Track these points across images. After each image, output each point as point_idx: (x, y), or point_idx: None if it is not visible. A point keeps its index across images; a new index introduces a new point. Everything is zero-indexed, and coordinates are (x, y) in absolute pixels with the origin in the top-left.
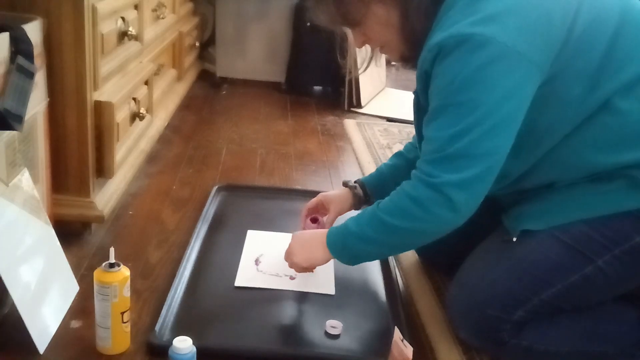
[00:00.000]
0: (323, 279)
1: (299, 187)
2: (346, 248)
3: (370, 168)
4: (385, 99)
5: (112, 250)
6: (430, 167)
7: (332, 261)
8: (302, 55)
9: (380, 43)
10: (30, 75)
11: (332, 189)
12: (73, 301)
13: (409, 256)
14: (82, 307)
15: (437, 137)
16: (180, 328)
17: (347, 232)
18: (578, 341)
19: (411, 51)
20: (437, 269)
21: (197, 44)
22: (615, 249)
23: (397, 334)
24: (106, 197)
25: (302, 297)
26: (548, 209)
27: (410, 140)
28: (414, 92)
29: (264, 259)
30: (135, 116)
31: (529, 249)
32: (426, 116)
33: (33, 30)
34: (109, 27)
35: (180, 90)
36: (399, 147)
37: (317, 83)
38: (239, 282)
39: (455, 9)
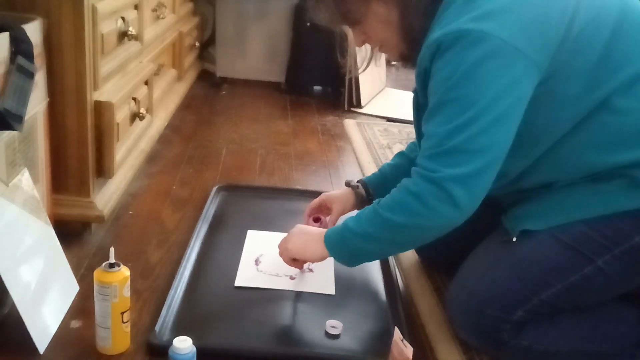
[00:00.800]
0: (323, 279)
1: (299, 187)
2: (345, 246)
3: (370, 168)
4: (385, 99)
5: (112, 250)
6: (430, 162)
7: (332, 261)
8: (302, 55)
9: (379, 42)
10: (30, 75)
11: (332, 189)
12: (73, 301)
13: (409, 256)
14: (82, 307)
15: (435, 133)
16: (180, 328)
17: (347, 230)
18: (578, 341)
19: (410, 50)
20: (437, 269)
21: (197, 44)
22: (615, 249)
23: (397, 334)
24: (106, 197)
25: (302, 297)
26: (548, 209)
27: (412, 140)
28: (414, 91)
29: (264, 259)
30: (135, 116)
31: (529, 249)
32: (425, 113)
33: (33, 30)
34: (109, 27)
35: (180, 90)
36: (399, 147)
37: (317, 83)
38: (239, 282)
39: (454, 7)
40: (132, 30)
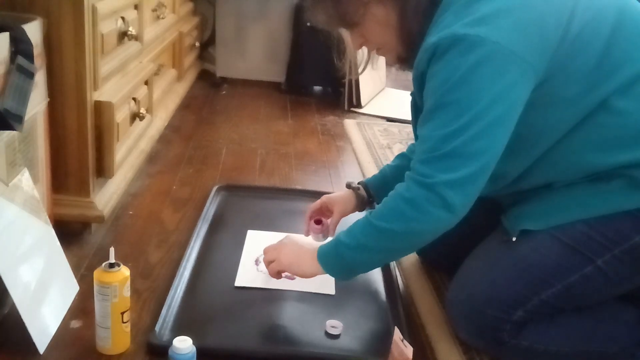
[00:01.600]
0: (323, 279)
1: (299, 187)
2: (341, 261)
3: (370, 168)
4: (385, 99)
5: (112, 250)
6: (424, 166)
7: None
8: (302, 55)
9: (377, 44)
10: (30, 75)
11: (332, 189)
12: (73, 301)
13: (409, 256)
14: (82, 307)
15: (430, 137)
16: (180, 328)
17: (341, 245)
18: (578, 341)
19: (407, 52)
20: (437, 269)
21: (197, 44)
22: (615, 249)
23: (397, 334)
24: (106, 197)
25: (302, 297)
26: (547, 209)
27: (412, 141)
28: (412, 94)
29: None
30: (135, 116)
31: (529, 249)
32: (421, 116)
33: (33, 30)
34: (109, 27)
35: (180, 90)
36: (399, 147)
37: (317, 83)
38: (239, 282)
39: (451, 10)
40: (132, 30)
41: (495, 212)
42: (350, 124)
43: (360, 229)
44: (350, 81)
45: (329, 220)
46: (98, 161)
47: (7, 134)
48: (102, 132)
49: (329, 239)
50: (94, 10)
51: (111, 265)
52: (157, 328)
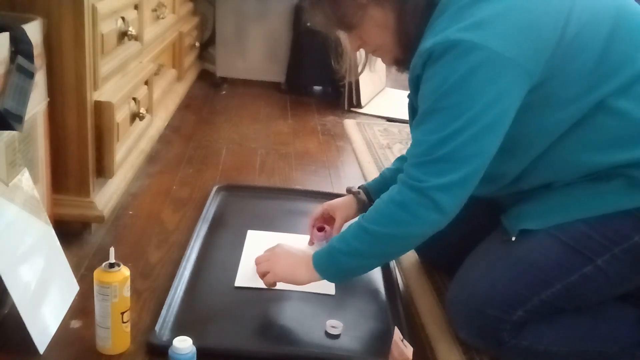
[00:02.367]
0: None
1: (299, 187)
2: (336, 267)
3: (370, 168)
4: (385, 99)
5: (112, 250)
6: (416, 170)
7: None
8: (302, 55)
9: (375, 46)
10: (30, 75)
11: (332, 189)
12: (73, 301)
13: (409, 256)
14: (82, 307)
15: (423, 141)
16: (180, 328)
17: (335, 251)
18: (578, 341)
19: (405, 54)
20: (437, 269)
21: (197, 44)
22: (614, 249)
23: (397, 334)
24: (106, 197)
25: (302, 297)
26: (547, 209)
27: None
28: (408, 96)
29: None
30: (135, 116)
31: (529, 248)
32: (415, 119)
33: (33, 30)
34: (109, 27)
35: (180, 90)
36: (398, 147)
37: (317, 83)
38: (239, 282)
39: (446, 14)
40: (132, 30)
41: (495, 212)
42: (350, 124)
43: (353, 234)
44: (349, 82)
45: (331, 227)
46: (98, 161)
47: (7, 134)
48: (102, 132)
49: None
50: (94, 10)
51: (111, 265)
52: (157, 328)
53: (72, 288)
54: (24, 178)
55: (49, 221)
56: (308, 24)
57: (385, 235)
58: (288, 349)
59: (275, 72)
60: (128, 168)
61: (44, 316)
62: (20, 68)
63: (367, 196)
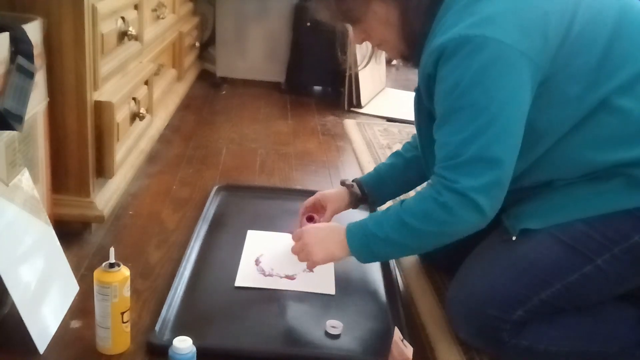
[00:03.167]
0: (323, 279)
1: (299, 187)
2: (367, 247)
3: (370, 168)
4: (385, 99)
5: (112, 250)
6: (449, 173)
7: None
8: (302, 55)
9: (379, 41)
10: (30, 75)
11: (332, 189)
12: (73, 301)
13: (409, 256)
14: (82, 307)
15: (448, 143)
16: (180, 328)
17: (369, 233)
18: (578, 341)
19: (410, 50)
20: (437, 269)
21: (197, 44)
22: (614, 248)
23: (397, 334)
24: (106, 197)
25: (302, 297)
26: (547, 208)
27: (409, 140)
28: (415, 90)
29: (264, 259)
30: (135, 116)
31: (529, 248)
32: (436, 120)
33: (33, 30)
34: (109, 27)
35: (180, 90)
36: (399, 147)
37: (317, 83)
38: (239, 282)
39: (454, 10)
40: (132, 30)
41: None
42: (350, 124)
43: (391, 223)
44: (350, 81)
45: (321, 217)
46: (98, 161)
47: (7, 134)
48: (102, 132)
49: None
50: (94, 10)
51: (111, 265)
52: (157, 328)
53: (72, 288)
54: (24, 178)
55: (49, 221)
56: (308, 24)
57: (424, 232)
58: (288, 349)
59: (275, 72)
60: (128, 168)
61: (44, 316)
62: (20, 68)
63: (361, 190)
